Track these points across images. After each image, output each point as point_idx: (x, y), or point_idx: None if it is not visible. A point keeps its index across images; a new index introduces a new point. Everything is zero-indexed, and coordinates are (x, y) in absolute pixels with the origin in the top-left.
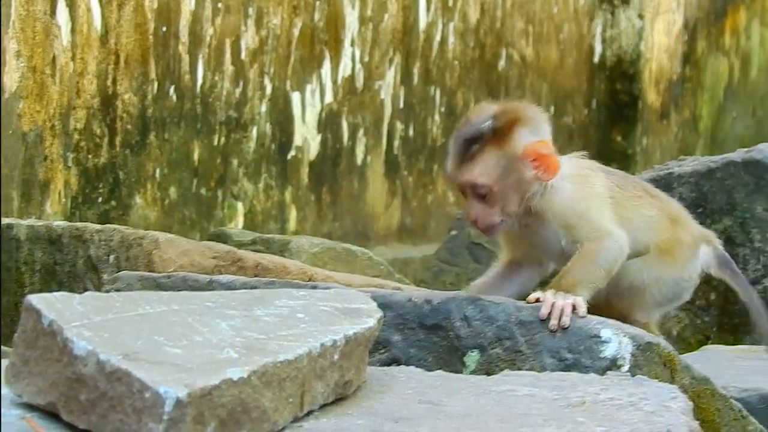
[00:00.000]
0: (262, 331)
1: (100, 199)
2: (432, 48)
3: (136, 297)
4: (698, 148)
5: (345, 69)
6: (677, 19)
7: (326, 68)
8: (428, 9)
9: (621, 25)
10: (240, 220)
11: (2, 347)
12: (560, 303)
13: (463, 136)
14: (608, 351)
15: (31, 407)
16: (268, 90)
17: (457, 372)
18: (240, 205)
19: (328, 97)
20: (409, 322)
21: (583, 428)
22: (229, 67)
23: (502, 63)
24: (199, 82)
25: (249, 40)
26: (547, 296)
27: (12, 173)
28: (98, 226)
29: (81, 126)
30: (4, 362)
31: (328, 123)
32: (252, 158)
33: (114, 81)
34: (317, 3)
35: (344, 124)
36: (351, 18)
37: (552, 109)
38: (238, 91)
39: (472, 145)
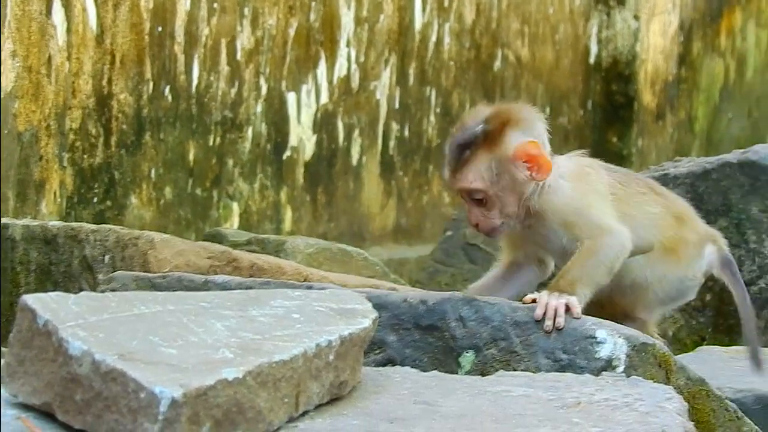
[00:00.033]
0: (258, 332)
1: (95, 199)
2: (428, 48)
3: (132, 297)
4: (694, 149)
5: (340, 69)
6: (673, 20)
7: (322, 68)
8: (424, 10)
9: (616, 26)
10: (235, 221)
11: None
12: (554, 303)
13: (457, 141)
14: (603, 352)
15: (26, 407)
16: (264, 90)
17: (452, 372)
18: (235, 206)
19: (324, 98)
20: (405, 323)
21: (578, 429)
22: (224, 67)
23: (497, 64)
24: (195, 82)
25: (244, 40)
26: (542, 297)
27: (7, 173)
28: (93, 226)
29: (76, 126)
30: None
31: (323, 123)
32: (247, 158)
33: (109, 81)
34: (313, 3)
35: (340, 125)
36: (347, 18)
37: (547, 109)
38: (233, 91)
39: (465, 150)
